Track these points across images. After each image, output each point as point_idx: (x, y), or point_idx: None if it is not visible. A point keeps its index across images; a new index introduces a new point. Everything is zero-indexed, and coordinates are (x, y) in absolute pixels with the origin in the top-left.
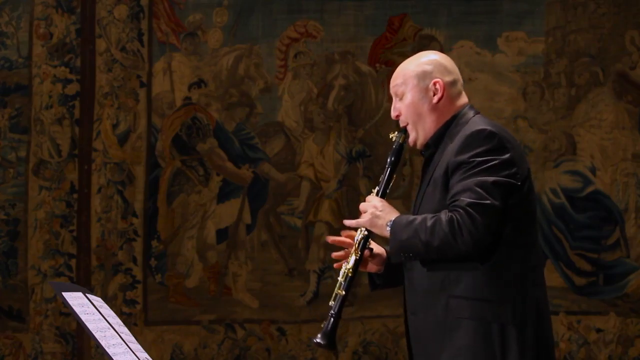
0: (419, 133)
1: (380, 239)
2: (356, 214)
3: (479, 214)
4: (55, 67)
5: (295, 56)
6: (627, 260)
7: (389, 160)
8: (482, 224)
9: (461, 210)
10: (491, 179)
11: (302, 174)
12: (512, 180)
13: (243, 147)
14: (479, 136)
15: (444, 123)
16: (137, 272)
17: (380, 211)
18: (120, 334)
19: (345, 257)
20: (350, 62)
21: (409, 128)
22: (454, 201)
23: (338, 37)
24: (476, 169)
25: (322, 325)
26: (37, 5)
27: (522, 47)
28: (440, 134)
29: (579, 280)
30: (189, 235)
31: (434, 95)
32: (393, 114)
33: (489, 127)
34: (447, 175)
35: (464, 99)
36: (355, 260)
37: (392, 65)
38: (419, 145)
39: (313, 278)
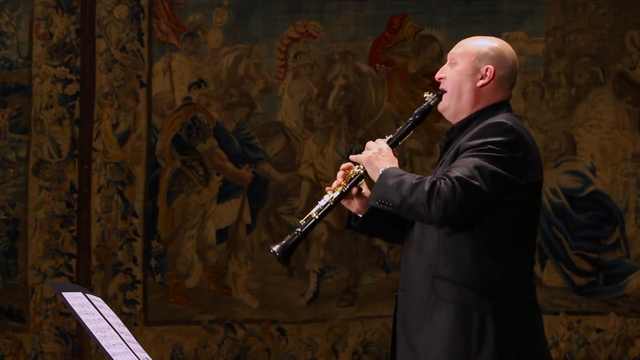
0: (451, 104)
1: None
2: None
3: (462, 190)
4: (55, 67)
5: (295, 56)
6: (627, 260)
7: (412, 117)
8: (461, 200)
9: (447, 180)
10: (492, 167)
11: (302, 174)
12: (513, 178)
13: (243, 147)
14: (498, 128)
15: (477, 110)
16: (137, 272)
17: (382, 155)
18: (120, 334)
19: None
20: (350, 62)
21: (445, 96)
22: (447, 172)
23: (338, 37)
24: (482, 154)
25: (284, 238)
26: (37, 5)
27: (522, 47)
28: (469, 120)
29: (579, 280)
30: (189, 235)
31: (481, 79)
32: (438, 75)
33: (510, 123)
34: (457, 155)
35: (505, 96)
36: (341, 191)
37: (392, 65)
38: (446, 115)
39: (313, 278)
